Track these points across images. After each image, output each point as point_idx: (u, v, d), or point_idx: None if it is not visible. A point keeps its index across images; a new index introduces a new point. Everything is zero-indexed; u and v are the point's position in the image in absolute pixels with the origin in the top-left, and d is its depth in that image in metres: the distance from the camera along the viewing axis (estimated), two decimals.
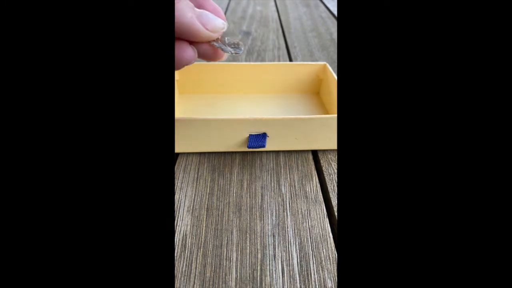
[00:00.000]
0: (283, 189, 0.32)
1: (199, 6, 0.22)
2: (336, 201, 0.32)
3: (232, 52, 0.22)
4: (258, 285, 0.24)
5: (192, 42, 0.21)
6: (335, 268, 0.25)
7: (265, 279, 0.24)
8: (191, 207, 0.30)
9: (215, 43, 0.22)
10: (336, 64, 0.65)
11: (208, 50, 0.22)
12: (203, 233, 0.28)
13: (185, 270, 0.25)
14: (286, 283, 0.24)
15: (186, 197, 0.31)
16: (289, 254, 0.26)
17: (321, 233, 0.28)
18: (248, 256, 0.26)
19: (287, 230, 0.28)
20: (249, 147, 0.34)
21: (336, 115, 0.36)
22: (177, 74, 0.45)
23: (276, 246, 0.27)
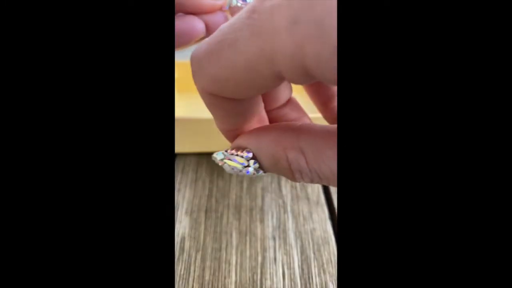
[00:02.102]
0: (284, 190, 0.32)
1: None
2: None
3: (241, 3, 0.21)
4: None
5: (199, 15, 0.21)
6: None
7: (265, 282, 0.24)
8: (190, 209, 0.30)
9: None
10: None
11: (220, 19, 0.22)
12: (202, 235, 0.27)
13: (183, 274, 0.24)
14: (287, 287, 0.24)
15: (184, 199, 0.31)
16: (290, 257, 0.26)
17: (322, 236, 0.27)
18: (248, 259, 0.25)
19: (288, 233, 0.28)
20: None
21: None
22: (177, 72, 0.45)
23: (277, 249, 0.26)
